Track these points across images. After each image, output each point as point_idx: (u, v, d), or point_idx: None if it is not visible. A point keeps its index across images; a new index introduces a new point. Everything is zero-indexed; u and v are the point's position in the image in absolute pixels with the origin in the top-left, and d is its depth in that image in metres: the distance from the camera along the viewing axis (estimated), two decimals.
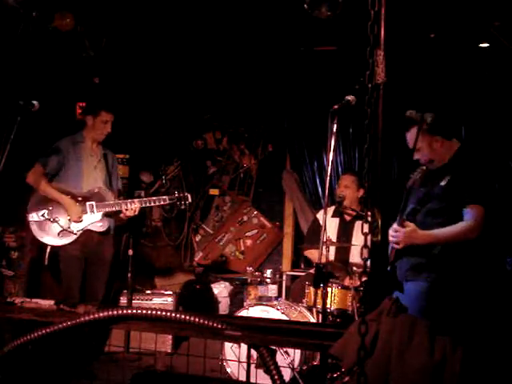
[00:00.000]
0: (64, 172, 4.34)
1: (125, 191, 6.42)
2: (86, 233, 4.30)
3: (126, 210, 4.29)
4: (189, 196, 4.51)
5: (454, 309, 2.77)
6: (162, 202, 4.45)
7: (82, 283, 4.33)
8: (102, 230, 4.35)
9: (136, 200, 4.37)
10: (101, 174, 4.47)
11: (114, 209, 4.33)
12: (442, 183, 2.93)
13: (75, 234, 4.24)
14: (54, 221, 4.22)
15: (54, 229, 4.24)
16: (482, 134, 5.05)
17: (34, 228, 4.24)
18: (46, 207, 4.23)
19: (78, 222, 4.25)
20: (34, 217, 4.23)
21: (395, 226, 2.85)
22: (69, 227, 4.24)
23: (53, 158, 4.31)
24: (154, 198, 4.48)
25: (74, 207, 4.24)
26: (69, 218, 4.23)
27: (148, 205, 4.40)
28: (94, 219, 4.30)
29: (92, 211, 4.28)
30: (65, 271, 4.32)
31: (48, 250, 4.38)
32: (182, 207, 4.55)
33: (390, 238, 2.82)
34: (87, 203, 4.28)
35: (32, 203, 4.27)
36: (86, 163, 4.42)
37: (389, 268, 2.95)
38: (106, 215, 4.36)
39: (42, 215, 4.22)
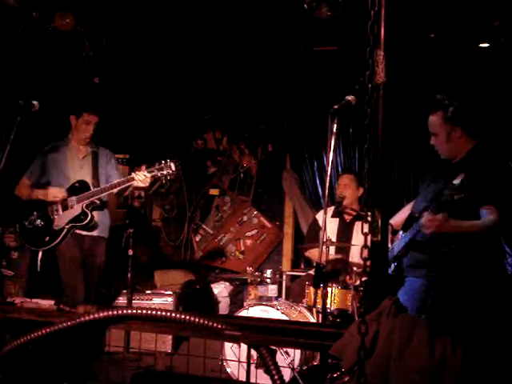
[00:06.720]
0: (49, 179, 4.32)
1: None
2: (79, 237, 4.26)
3: (137, 182, 4.03)
4: (172, 165, 4.06)
5: (455, 308, 2.77)
6: (141, 184, 4.08)
7: None
8: (95, 234, 4.31)
9: (142, 172, 4.05)
10: (87, 174, 4.34)
11: (94, 198, 4.18)
12: (455, 182, 2.90)
13: (59, 231, 4.19)
14: (39, 225, 4.23)
15: (40, 233, 4.23)
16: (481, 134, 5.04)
17: (24, 238, 4.31)
18: (31, 215, 4.26)
19: (60, 199, 4.17)
20: (21, 227, 4.29)
21: (428, 214, 2.82)
22: (52, 227, 4.21)
23: (36, 169, 4.34)
24: (133, 175, 4.06)
25: (53, 190, 4.22)
26: (53, 203, 4.18)
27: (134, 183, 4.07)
28: (74, 213, 4.19)
29: (72, 206, 4.18)
30: (65, 273, 4.26)
31: (39, 256, 4.40)
32: (163, 181, 4.28)
33: (423, 223, 2.81)
34: (68, 199, 4.20)
35: (18, 216, 4.30)
36: (72, 166, 4.35)
37: (395, 263, 2.95)
38: (93, 208, 4.24)
39: (29, 223, 4.25)
